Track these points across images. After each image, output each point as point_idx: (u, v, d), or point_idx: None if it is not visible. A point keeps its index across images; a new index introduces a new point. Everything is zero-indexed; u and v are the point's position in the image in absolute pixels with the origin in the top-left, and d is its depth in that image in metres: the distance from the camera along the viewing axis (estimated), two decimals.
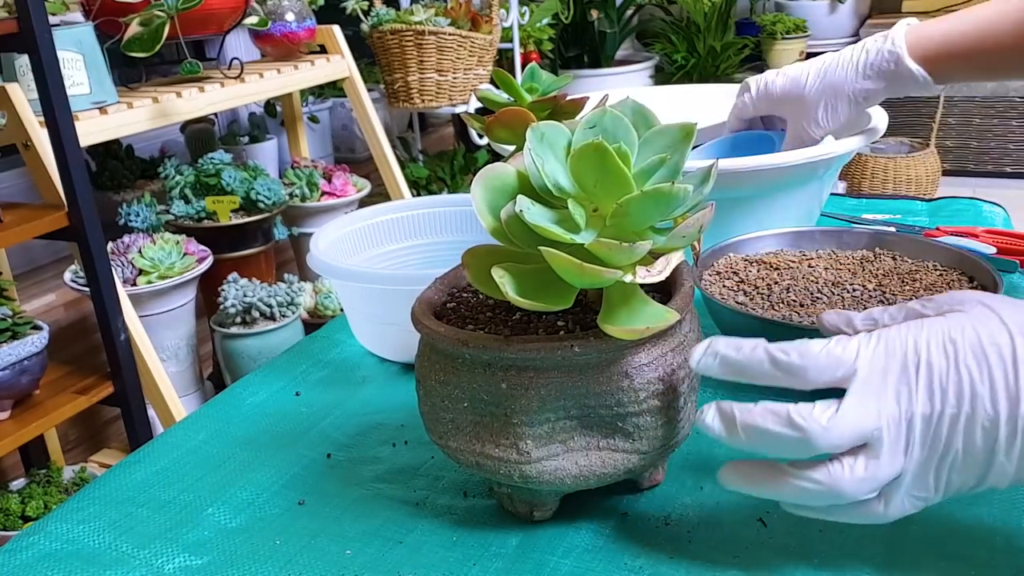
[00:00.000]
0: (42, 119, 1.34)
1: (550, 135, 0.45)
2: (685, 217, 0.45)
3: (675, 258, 0.44)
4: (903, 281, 0.68)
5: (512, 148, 0.59)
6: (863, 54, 0.76)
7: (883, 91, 0.77)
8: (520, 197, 0.43)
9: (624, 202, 0.42)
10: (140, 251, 1.66)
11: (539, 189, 0.44)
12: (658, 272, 0.43)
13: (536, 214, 0.43)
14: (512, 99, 0.56)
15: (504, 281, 0.42)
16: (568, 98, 0.55)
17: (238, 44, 2.35)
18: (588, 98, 0.56)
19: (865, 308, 0.64)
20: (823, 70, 0.78)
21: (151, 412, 1.54)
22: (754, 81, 0.83)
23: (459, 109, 2.34)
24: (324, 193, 2.13)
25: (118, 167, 1.98)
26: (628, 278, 0.42)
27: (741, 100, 0.85)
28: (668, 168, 0.45)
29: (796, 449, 0.42)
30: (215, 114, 2.25)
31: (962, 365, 0.40)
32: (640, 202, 0.42)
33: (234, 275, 1.81)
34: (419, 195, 2.47)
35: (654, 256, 0.45)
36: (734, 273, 0.72)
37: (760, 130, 0.88)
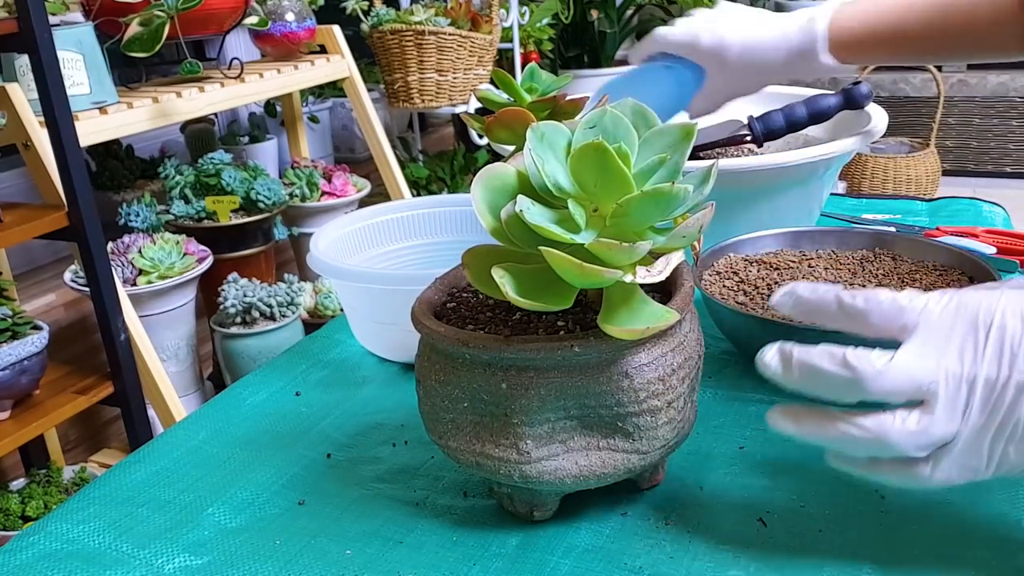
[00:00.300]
0: (42, 119, 1.34)
1: (550, 135, 0.45)
2: (685, 217, 0.45)
3: (675, 258, 0.44)
4: (903, 281, 0.68)
5: (512, 148, 0.59)
6: (786, 40, 0.76)
7: (794, 73, 0.78)
8: (520, 197, 0.43)
9: (624, 202, 0.42)
10: (140, 251, 1.66)
11: (539, 189, 0.44)
12: (658, 272, 0.43)
13: (536, 214, 0.43)
14: (512, 99, 0.56)
15: (504, 281, 0.42)
16: (568, 98, 0.55)
17: (238, 44, 2.35)
18: (588, 98, 0.56)
19: None
20: (748, 47, 0.77)
21: (151, 412, 1.54)
22: (684, 23, 0.81)
23: (459, 109, 2.34)
24: (324, 193, 2.13)
25: (118, 167, 1.98)
26: (628, 278, 0.42)
27: (662, 34, 0.82)
28: (668, 168, 0.45)
29: (846, 391, 0.41)
30: (215, 114, 2.25)
31: None
32: (640, 202, 0.42)
33: (234, 275, 1.81)
34: (419, 195, 2.47)
35: (654, 256, 0.45)
36: (734, 273, 0.72)
37: (668, 63, 0.85)
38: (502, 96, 0.57)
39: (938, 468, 0.41)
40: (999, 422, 0.39)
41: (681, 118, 0.84)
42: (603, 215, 0.44)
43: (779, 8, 3.50)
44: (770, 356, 0.43)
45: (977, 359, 0.39)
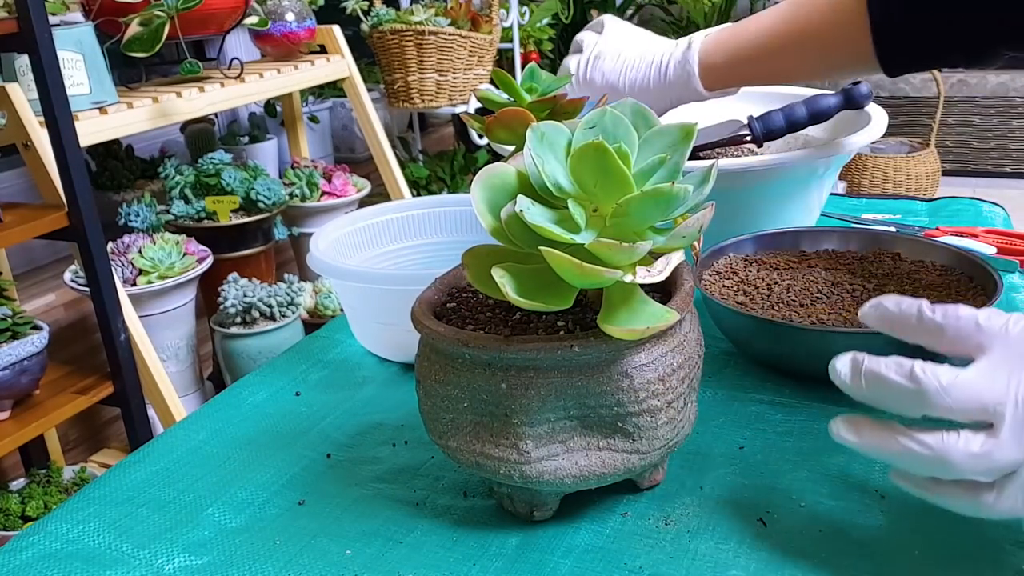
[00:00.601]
0: (42, 119, 1.35)
1: (550, 135, 0.45)
2: (685, 217, 0.45)
3: (675, 258, 0.44)
4: (903, 281, 0.68)
5: (512, 148, 0.59)
6: (665, 77, 0.78)
7: (678, 102, 0.80)
8: (520, 197, 0.43)
9: (624, 202, 0.42)
10: (140, 251, 1.66)
11: (539, 189, 0.44)
12: (658, 272, 0.43)
13: (536, 214, 0.43)
14: (512, 99, 0.56)
15: (504, 281, 0.42)
16: (568, 98, 0.55)
17: (238, 44, 2.35)
18: (588, 98, 0.56)
19: None
20: (640, 86, 0.79)
21: (151, 412, 1.54)
22: (577, 66, 0.82)
23: (459, 109, 2.34)
24: (324, 193, 2.13)
25: (118, 167, 1.98)
26: (628, 278, 0.42)
27: (569, 84, 0.83)
28: (668, 168, 0.45)
29: (910, 404, 0.40)
30: (215, 114, 2.25)
31: None
32: (640, 202, 0.42)
33: (234, 275, 1.81)
34: (419, 195, 2.47)
35: (654, 256, 0.45)
36: (734, 273, 0.72)
37: None
38: (502, 96, 0.57)
39: (1003, 496, 0.40)
40: None
41: None
42: (603, 215, 0.44)
43: None
44: (841, 364, 0.43)
45: None
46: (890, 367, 0.41)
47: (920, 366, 0.40)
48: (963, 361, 0.41)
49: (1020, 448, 0.38)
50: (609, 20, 0.84)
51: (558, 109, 0.54)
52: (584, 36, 0.83)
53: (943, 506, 0.42)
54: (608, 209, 0.43)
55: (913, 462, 0.41)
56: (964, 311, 0.41)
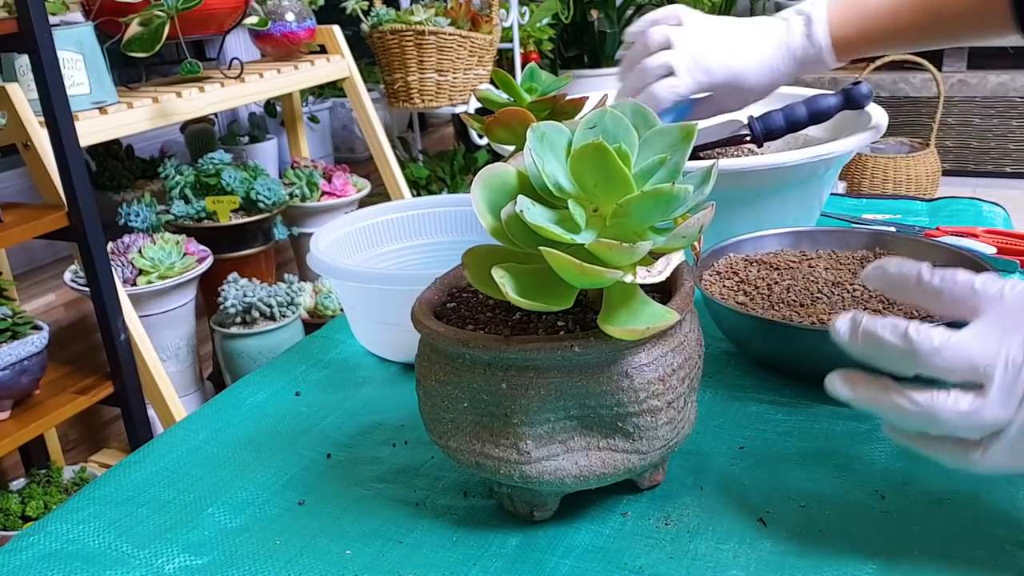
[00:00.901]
0: (42, 119, 1.34)
1: (550, 135, 0.45)
2: (685, 217, 0.45)
3: (675, 258, 0.44)
4: None
5: (512, 148, 0.59)
6: (792, 55, 0.78)
7: (799, 76, 0.81)
8: (520, 197, 0.43)
9: (624, 202, 0.42)
10: (140, 251, 1.66)
11: (539, 189, 0.44)
12: (658, 272, 0.43)
13: (536, 214, 0.43)
14: (512, 99, 0.56)
15: (504, 281, 0.42)
16: (568, 98, 0.55)
17: (238, 44, 2.35)
18: (588, 98, 0.56)
19: (865, 308, 0.64)
20: (764, 66, 0.78)
21: (151, 412, 1.54)
22: (684, 67, 0.78)
23: (459, 109, 2.34)
24: (324, 193, 2.13)
25: (118, 167, 1.98)
26: (628, 278, 0.42)
27: (671, 85, 0.78)
28: (668, 168, 0.45)
29: (903, 363, 0.41)
30: (215, 114, 2.25)
31: None
32: (640, 202, 0.42)
33: (234, 275, 1.81)
34: (419, 195, 2.47)
35: (654, 256, 0.45)
36: (734, 273, 0.72)
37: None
38: (502, 96, 0.57)
39: (988, 454, 0.41)
40: None
41: None
42: (603, 215, 0.44)
43: (779, 8, 3.49)
44: (841, 322, 0.44)
45: None
46: (886, 327, 0.42)
47: (915, 327, 0.41)
48: (961, 326, 0.42)
49: (1006, 408, 0.40)
50: (683, 10, 0.80)
51: (558, 109, 0.54)
52: (660, 31, 0.79)
53: (933, 459, 0.43)
54: (608, 209, 0.43)
55: (904, 417, 0.42)
56: (962, 275, 0.42)
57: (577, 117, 0.51)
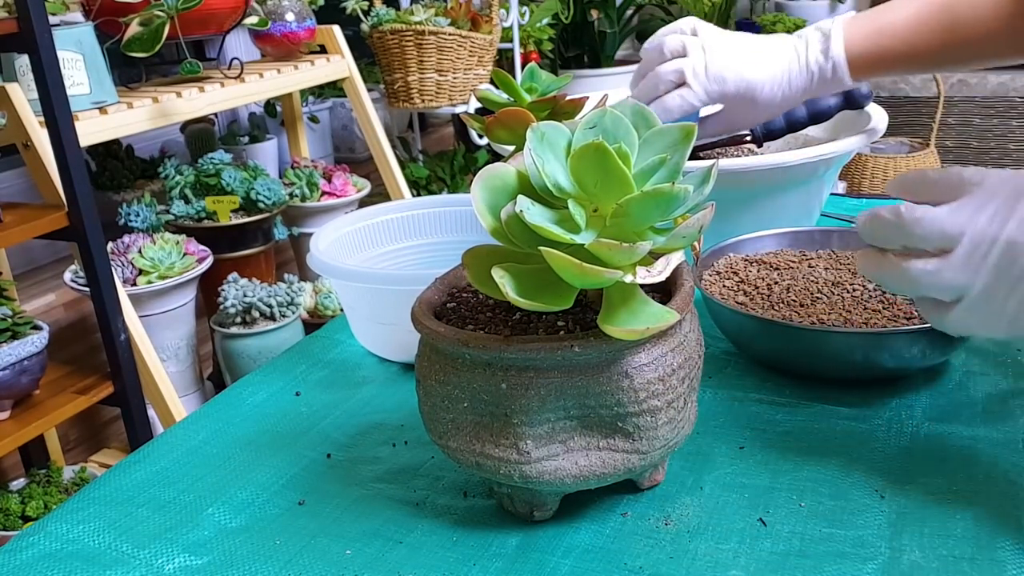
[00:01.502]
0: (42, 119, 1.34)
1: (550, 135, 0.45)
2: (685, 217, 0.45)
3: (675, 258, 0.44)
4: None
5: (512, 148, 0.59)
6: (808, 70, 0.76)
7: (814, 95, 0.80)
8: (520, 197, 0.43)
9: (624, 202, 0.42)
10: (140, 251, 1.66)
11: (539, 189, 0.44)
12: (658, 272, 0.43)
13: (536, 214, 0.43)
14: (512, 99, 0.56)
15: (504, 281, 0.42)
16: (568, 98, 0.55)
17: (238, 44, 2.35)
18: (588, 98, 0.56)
19: (865, 308, 0.64)
20: (780, 82, 0.77)
21: (151, 412, 1.54)
22: (697, 76, 0.76)
23: (459, 109, 2.34)
24: (324, 193, 2.13)
25: (118, 167, 1.98)
26: (628, 278, 0.42)
27: (683, 96, 0.77)
28: (668, 168, 0.45)
29: (893, 234, 0.47)
30: (215, 114, 2.25)
31: None
32: (640, 202, 0.42)
33: (234, 275, 1.81)
34: (419, 195, 2.47)
35: (654, 256, 0.45)
36: (734, 273, 0.72)
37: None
38: (502, 96, 0.57)
39: (952, 314, 0.47)
40: (1011, 284, 0.44)
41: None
42: (603, 215, 0.44)
43: (779, 8, 3.50)
44: (860, 216, 0.50)
45: (1007, 221, 0.44)
46: (885, 208, 0.48)
47: (906, 205, 0.47)
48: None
49: (968, 272, 0.45)
50: (699, 22, 0.79)
51: (558, 109, 0.54)
52: (676, 39, 0.78)
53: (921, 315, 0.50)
54: (608, 209, 0.43)
55: (890, 279, 0.49)
56: (955, 168, 0.48)
57: (577, 117, 0.51)
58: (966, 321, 0.47)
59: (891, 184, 0.51)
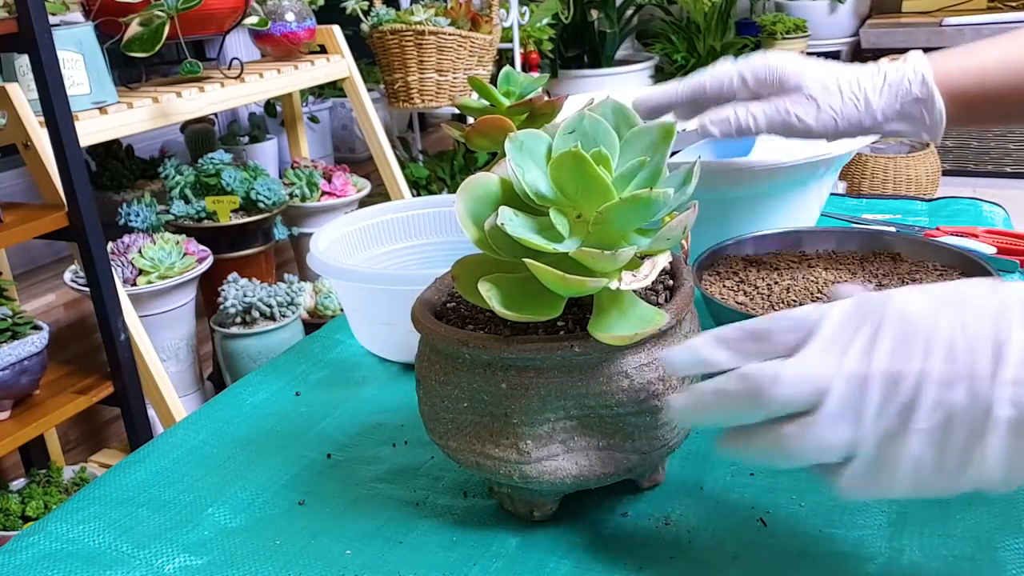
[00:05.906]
0: (42, 119, 1.34)
1: (529, 144, 0.44)
2: (673, 216, 0.44)
3: (661, 261, 0.44)
4: (903, 281, 0.68)
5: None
6: (885, 98, 0.63)
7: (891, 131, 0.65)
8: (502, 208, 0.43)
9: (605, 209, 0.42)
10: (140, 251, 1.66)
11: (522, 197, 0.44)
12: (644, 277, 0.43)
13: (518, 225, 0.42)
14: (490, 104, 0.56)
15: (491, 295, 0.42)
16: (544, 100, 0.54)
17: (238, 44, 2.35)
18: (566, 97, 0.56)
19: None
20: (844, 116, 0.63)
21: (151, 412, 1.54)
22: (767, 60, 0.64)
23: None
24: (324, 193, 2.13)
25: (118, 167, 1.98)
26: (614, 285, 0.42)
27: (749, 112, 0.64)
28: (649, 170, 0.44)
29: (748, 406, 0.38)
30: (215, 114, 2.25)
31: (945, 320, 0.35)
32: (620, 209, 0.42)
33: (234, 275, 1.81)
34: (419, 195, 2.47)
35: (643, 259, 0.45)
36: (734, 273, 0.72)
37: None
38: (481, 102, 0.56)
39: (845, 477, 0.37)
40: (904, 414, 0.35)
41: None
42: (587, 220, 0.44)
43: (779, 8, 3.50)
44: (674, 398, 0.41)
45: (871, 352, 0.36)
46: (721, 379, 0.39)
47: (749, 365, 0.38)
48: None
49: (845, 425, 0.36)
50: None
51: (536, 111, 0.54)
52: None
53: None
54: (591, 215, 0.43)
55: (765, 456, 0.39)
56: (781, 313, 0.39)
57: (557, 119, 0.50)
58: (863, 483, 0.37)
59: (712, 413, 0.40)
